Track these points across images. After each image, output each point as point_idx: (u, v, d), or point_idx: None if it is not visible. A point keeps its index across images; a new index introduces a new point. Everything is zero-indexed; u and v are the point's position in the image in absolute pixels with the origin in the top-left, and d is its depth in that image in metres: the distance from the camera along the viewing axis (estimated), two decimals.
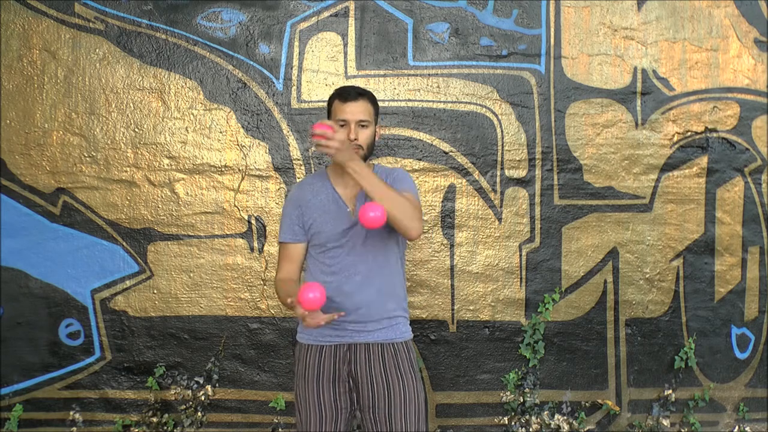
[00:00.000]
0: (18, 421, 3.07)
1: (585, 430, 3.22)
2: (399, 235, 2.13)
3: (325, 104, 3.07)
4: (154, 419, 3.11)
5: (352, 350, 2.06)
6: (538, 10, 3.20)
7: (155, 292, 3.12)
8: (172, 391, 3.12)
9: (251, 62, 3.13)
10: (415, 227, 1.97)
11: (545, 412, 3.22)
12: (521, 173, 3.20)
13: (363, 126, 2.05)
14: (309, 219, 2.11)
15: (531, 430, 3.20)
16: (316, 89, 3.14)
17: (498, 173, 3.20)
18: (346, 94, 2.07)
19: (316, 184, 2.15)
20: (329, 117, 2.12)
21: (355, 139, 2.03)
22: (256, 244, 3.13)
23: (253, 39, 3.13)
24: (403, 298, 2.15)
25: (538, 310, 3.20)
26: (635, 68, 3.24)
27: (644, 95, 3.24)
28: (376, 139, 2.13)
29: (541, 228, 3.21)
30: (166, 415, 3.12)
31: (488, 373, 3.21)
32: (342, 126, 2.04)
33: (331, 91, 3.07)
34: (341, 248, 2.06)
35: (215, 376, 3.14)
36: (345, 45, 3.16)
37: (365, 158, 2.08)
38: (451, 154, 3.18)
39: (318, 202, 2.11)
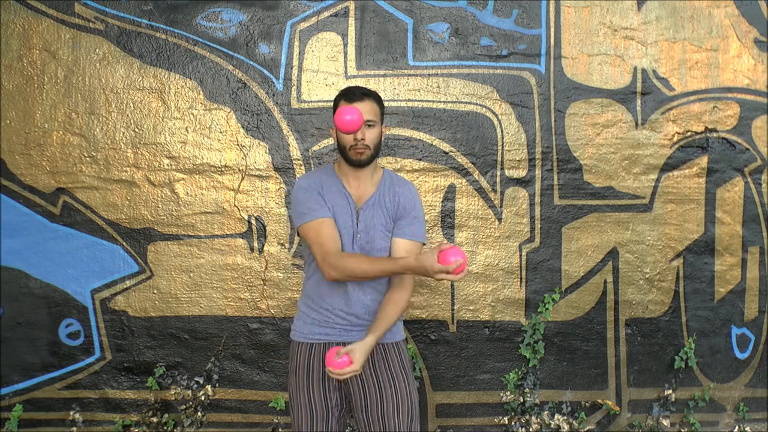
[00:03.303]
0: (18, 421, 3.07)
1: (585, 430, 3.22)
2: None
3: (326, 104, 3.14)
4: (154, 419, 3.11)
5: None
6: (538, 10, 3.20)
7: (155, 292, 3.12)
8: (172, 391, 3.12)
9: (251, 62, 3.13)
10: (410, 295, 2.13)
11: (545, 412, 3.22)
12: (521, 173, 3.20)
13: (369, 126, 2.05)
14: (327, 202, 2.07)
15: (531, 430, 3.20)
16: (316, 89, 3.14)
17: (498, 173, 3.20)
18: (351, 94, 2.07)
19: (324, 177, 2.12)
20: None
21: (362, 139, 2.02)
22: (256, 244, 3.13)
23: (253, 39, 3.13)
24: None
25: (538, 310, 3.20)
26: (635, 68, 3.24)
27: (644, 95, 3.24)
28: (382, 138, 2.13)
29: (541, 228, 3.21)
30: (166, 415, 3.12)
31: (488, 373, 3.21)
32: None
33: (332, 91, 3.13)
34: (344, 246, 2.06)
35: (215, 376, 3.14)
36: (345, 45, 3.16)
37: (372, 158, 2.07)
38: (451, 154, 3.18)
39: (330, 193, 2.09)
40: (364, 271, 1.95)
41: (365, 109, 2.04)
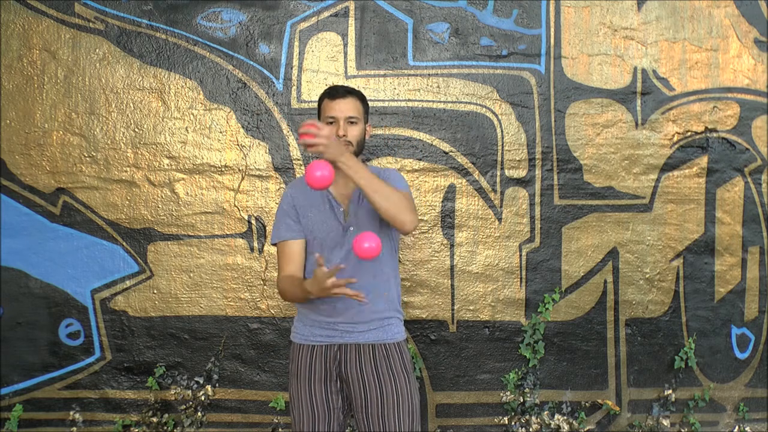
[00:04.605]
0: (18, 421, 3.07)
1: (585, 430, 3.22)
2: (392, 236, 2.13)
3: None
4: (154, 419, 3.11)
5: (342, 350, 2.07)
6: (538, 10, 3.20)
7: (155, 292, 3.12)
8: (172, 391, 3.12)
9: (251, 62, 3.13)
10: (410, 220, 1.97)
11: (545, 412, 3.22)
12: (521, 173, 3.20)
13: (352, 123, 2.08)
14: (303, 217, 2.10)
15: (531, 430, 3.20)
16: (316, 89, 3.14)
17: (498, 173, 3.20)
18: (334, 92, 2.10)
19: (307, 186, 2.15)
20: (319, 117, 2.13)
21: (344, 136, 2.05)
22: (256, 244, 3.13)
23: (253, 39, 3.13)
24: (395, 299, 2.14)
25: (538, 310, 3.20)
26: (635, 68, 3.24)
27: (644, 95, 3.25)
28: (366, 137, 2.14)
29: (541, 228, 3.21)
30: (166, 415, 3.12)
31: (488, 373, 3.21)
32: (331, 123, 2.06)
33: None
34: (333, 248, 2.06)
35: (215, 376, 3.14)
36: (345, 45, 3.16)
37: (355, 155, 2.09)
38: (451, 154, 3.18)
39: (311, 201, 2.11)
40: (287, 294, 2.08)
41: (348, 106, 2.07)
